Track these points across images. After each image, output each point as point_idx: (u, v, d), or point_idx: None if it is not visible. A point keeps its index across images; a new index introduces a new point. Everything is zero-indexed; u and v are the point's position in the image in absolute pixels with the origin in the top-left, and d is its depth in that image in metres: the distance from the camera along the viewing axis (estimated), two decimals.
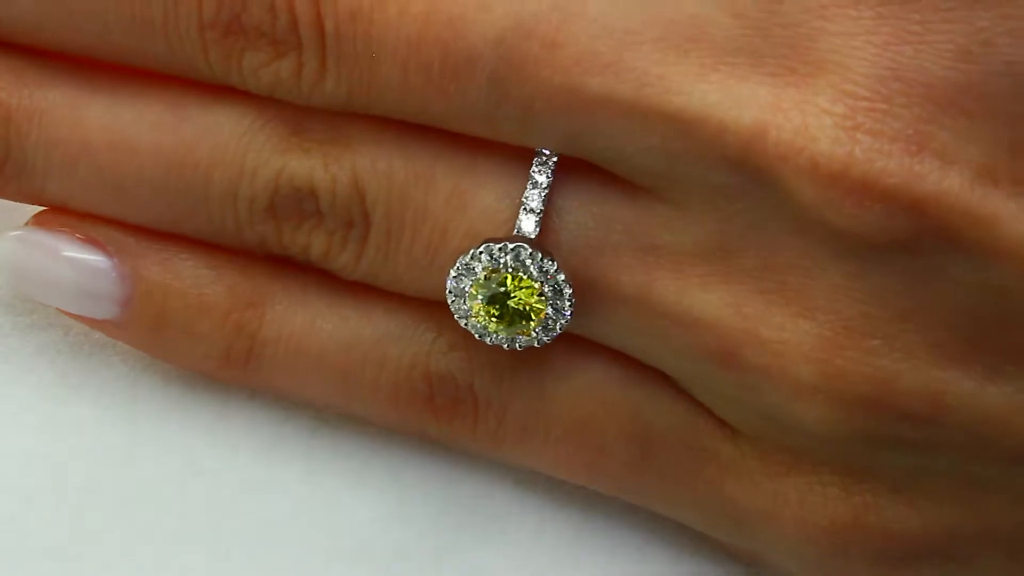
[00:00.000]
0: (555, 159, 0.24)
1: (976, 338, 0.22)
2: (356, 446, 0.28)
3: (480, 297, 0.24)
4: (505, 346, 0.24)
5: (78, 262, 0.26)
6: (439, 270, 0.24)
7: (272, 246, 0.25)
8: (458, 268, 0.24)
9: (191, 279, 0.26)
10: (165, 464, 0.27)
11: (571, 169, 0.24)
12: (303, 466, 0.27)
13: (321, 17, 0.23)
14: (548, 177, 0.24)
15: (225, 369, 0.26)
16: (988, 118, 0.21)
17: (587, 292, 0.24)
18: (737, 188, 0.22)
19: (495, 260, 0.24)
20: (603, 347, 0.25)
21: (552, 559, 0.27)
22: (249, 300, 0.26)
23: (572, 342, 0.25)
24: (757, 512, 0.25)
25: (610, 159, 0.23)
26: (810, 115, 0.22)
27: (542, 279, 0.24)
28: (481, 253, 0.24)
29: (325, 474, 0.27)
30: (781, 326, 0.23)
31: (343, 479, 0.27)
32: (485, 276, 0.24)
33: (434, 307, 0.25)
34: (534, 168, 0.24)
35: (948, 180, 0.21)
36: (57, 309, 0.27)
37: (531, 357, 0.25)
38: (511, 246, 0.23)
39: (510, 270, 0.24)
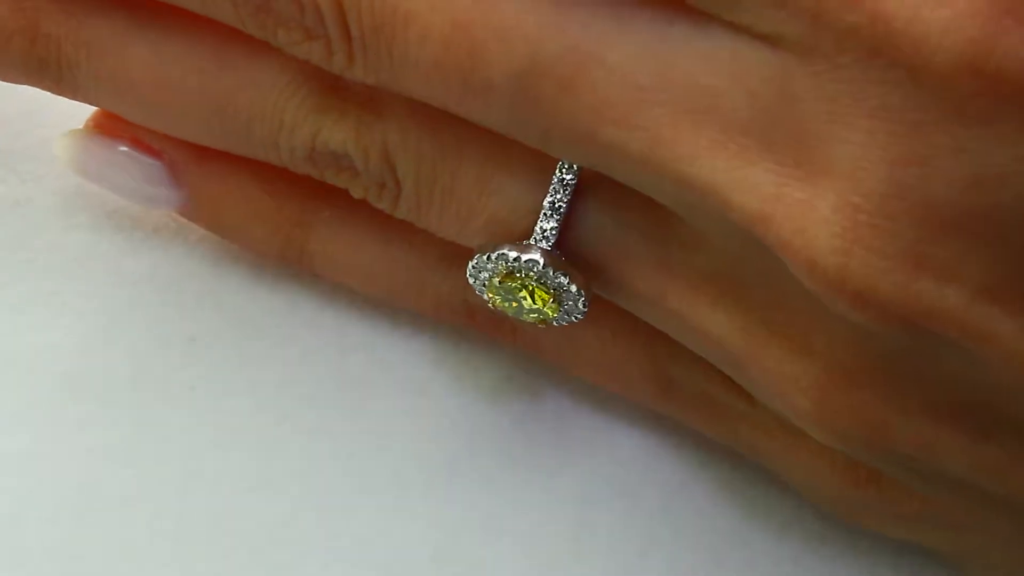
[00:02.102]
0: (569, 194, 0.24)
1: (970, 406, 0.22)
2: (356, 446, 0.28)
3: (496, 296, 0.25)
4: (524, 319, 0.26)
5: (136, 166, 0.27)
6: (467, 239, 0.25)
7: (315, 183, 0.26)
8: (475, 262, 0.25)
9: (242, 193, 0.27)
10: (165, 464, 0.27)
11: (595, 175, 0.24)
12: (303, 466, 0.27)
13: (347, 20, 0.23)
14: (573, 176, 0.24)
15: (281, 259, 0.28)
16: (993, 242, 0.21)
17: (605, 291, 0.25)
18: (745, 250, 0.23)
19: (509, 267, 0.24)
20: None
21: (551, 559, 0.27)
22: (298, 219, 0.27)
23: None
24: (777, 453, 0.26)
25: (630, 189, 0.23)
26: (810, 220, 0.21)
27: (556, 293, 0.24)
28: (497, 258, 0.24)
29: (325, 474, 0.27)
30: (781, 359, 0.23)
31: (343, 479, 0.27)
32: (499, 280, 0.24)
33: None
34: (560, 166, 0.24)
35: (944, 299, 0.21)
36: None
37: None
38: (524, 259, 0.24)
39: (523, 277, 0.24)
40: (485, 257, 0.24)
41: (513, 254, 0.24)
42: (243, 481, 0.27)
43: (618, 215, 0.24)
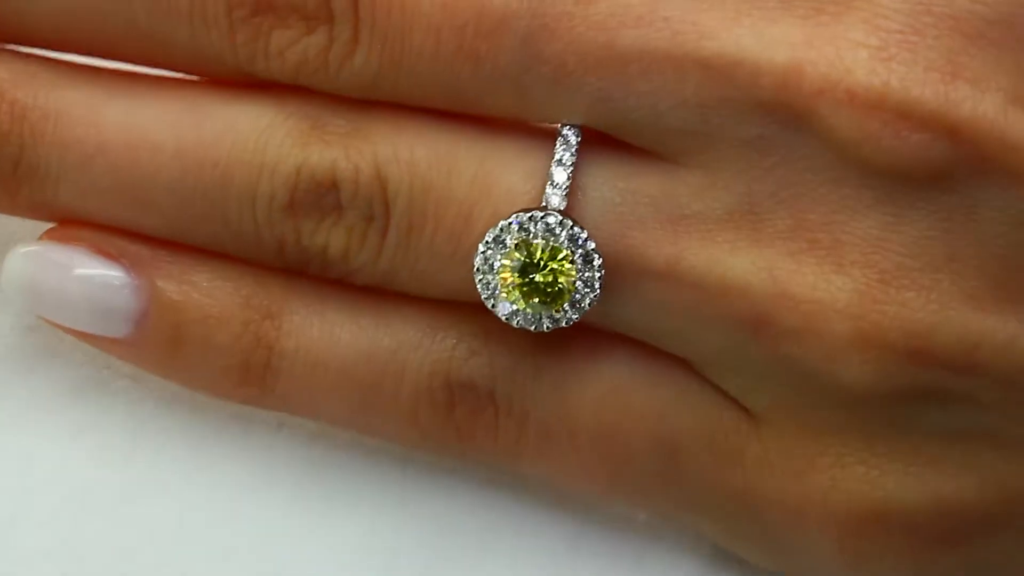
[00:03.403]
0: (578, 137, 0.24)
1: (1009, 284, 0.23)
2: (353, 451, 0.28)
3: (510, 267, 0.24)
4: (532, 328, 0.24)
5: (92, 275, 0.25)
6: (462, 261, 0.24)
7: (290, 250, 0.25)
8: (487, 242, 0.24)
9: (208, 290, 0.25)
10: (165, 464, 0.27)
11: (594, 145, 0.24)
12: (301, 470, 0.27)
13: None
14: (572, 155, 0.24)
15: (242, 386, 0.26)
16: (1016, 48, 0.22)
17: (615, 270, 0.24)
18: (770, 139, 0.23)
19: (525, 230, 0.24)
20: (627, 342, 0.25)
21: (548, 566, 0.28)
22: (267, 311, 0.25)
23: (595, 343, 0.25)
24: (782, 514, 0.25)
25: (640, 122, 0.23)
26: (844, 49, 0.22)
27: (572, 247, 0.24)
28: (511, 224, 0.24)
29: (322, 479, 0.27)
30: (814, 285, 0.23)
31: (340, 484, 0.27)
32: (515, 245, 0.24)
33: (453, 311, 0.25)
34: (558, 146, 0.24)
35: (983, 106, 0.22)
36: (66, 330, 0.26)
37: (554, 361, 0.25)
38: (540, 215, 0.23)
39: (540, 238, 0.24)
40: (499, 228, 0.24)
41: (528, 214, 0.23)
42: (243, 483, 0.27)
43: (622, 184, 0.24)
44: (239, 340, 0.25)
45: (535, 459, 0.26)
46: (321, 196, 0.24)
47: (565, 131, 0.24)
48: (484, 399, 0.25)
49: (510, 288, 0.24)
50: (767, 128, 0.23)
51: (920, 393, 0.23)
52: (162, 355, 0.26)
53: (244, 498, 0.27)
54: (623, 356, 0.25)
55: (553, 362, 0.25)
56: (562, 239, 0.24)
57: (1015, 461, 0.24)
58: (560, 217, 0.23)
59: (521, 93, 0.24)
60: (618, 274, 0.24)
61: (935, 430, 0.24)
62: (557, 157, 0.24)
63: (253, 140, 0.24)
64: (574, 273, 0.24)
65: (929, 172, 0.23)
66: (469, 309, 0.25)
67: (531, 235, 0.24)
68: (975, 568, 0.25)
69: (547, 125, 0.24)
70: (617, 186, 0.24)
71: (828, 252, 0.23)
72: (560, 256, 0.24)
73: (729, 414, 0.25)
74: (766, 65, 0.23)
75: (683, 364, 0.25)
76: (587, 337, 0.25)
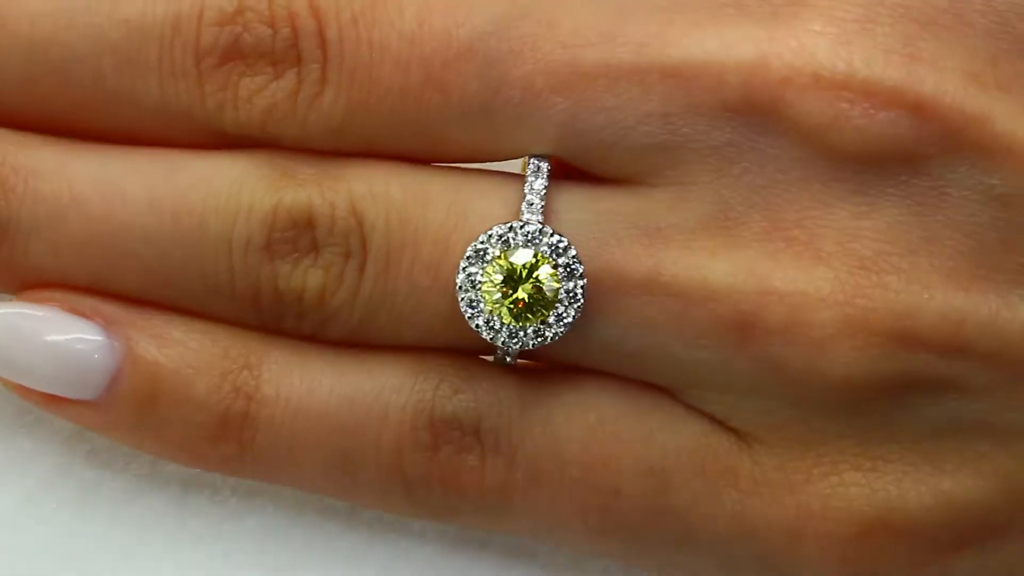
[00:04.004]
0: (548, 166, 0.24)
1: (985, 262, 0.23)
2: None
3: (493, 281, 0.24)
4: (517, 344, 0.24)
5: (64, 333, 0.24)
6: (442, 291, 0.24)
7: (266, 300, 0.24)
8: (468, 257, 0.24)
9: (184, 342, 0.25)
10: (165, 465, 0.27)
11: (564, 176, 0.24)
12: None
13: (323, 26, 0.24)
14: (544, 181, 0.24)
15: (219, 442, 0.25)
16: (967, 33, 0.23)
17: (595, 289, 0.24)
18: (739, 145, 0.23)
19: (505, 241, 0.24)
20: (609, 376, 0.25)
21: (547, 566, 0.28)
22: (245, 362, 0.25)
23: (577, 377, 0.25)
24: (781, 534, 0.24)
25: (608, 141, 0.24)
26: (805, 38, 0.23)
27: (554, 256, 0.24)
28: (491, 236, 0.24)
29: None
30: (795, 279, 0.23)
31: None
32: (497, 257, 0.24)
33: (434, 356, 0.25)
34: (529, 173, 0.24)
35: (943, 83, 0.23)
36: (34, 399, 0.25)
37: (539, 396, 0.25)
38: (519, 224, 0.24)
39: (521, 247, 0.24)
40: (479, 241, 0.24)
41: (508, 225, 0.24)
42: (243, 484, 0.27)
43: (596, 206, 0.24)
44: (217, 391, 0.25)
45: (523, 503, 0.25)
46: (298, 235, 0.24)
47: (534, 160, 0.24)
48: (470, 437, 0.24)
49: (493, 303, 0.24)
50: (735, 133, 0.23)
51: (910, 382, 0.23)
52: (136, 414, 0.25)
53: (244, 499, 0.27)
54: (606, 387, 0.25)
55: (538, 397, 0.25)
56: (543, 247, 0.24)
57: (1013, 451, 0.24)
58: (540, 226, 0.24)
59: (491, 120, 0.24)
60: (598, 293, 0.24)
61: (929, 426, 0.24)
62: (529, 183, 0.24)
63: (227, 188, 0.24)
64: (557, 283, 0.24)
65: (897, 152, 0.23)
66: (450, 354, 0.25)
67: (512, 245, 0.24)
68: (986, 573, 0.25)
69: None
70: (591, 208, 0.24)
71: (806, 247, 0.23)
72: (542, 265, 0.24)
73: (718, 437, 0.25)
74: (731, 63, 0.23)
75: (666, 393, 0.25)
76: (569, 372, 0.25)
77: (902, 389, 0.24)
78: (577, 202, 0.24)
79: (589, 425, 0.25)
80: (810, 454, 0.24)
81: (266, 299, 0.24)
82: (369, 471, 0.25)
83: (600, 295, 0.24)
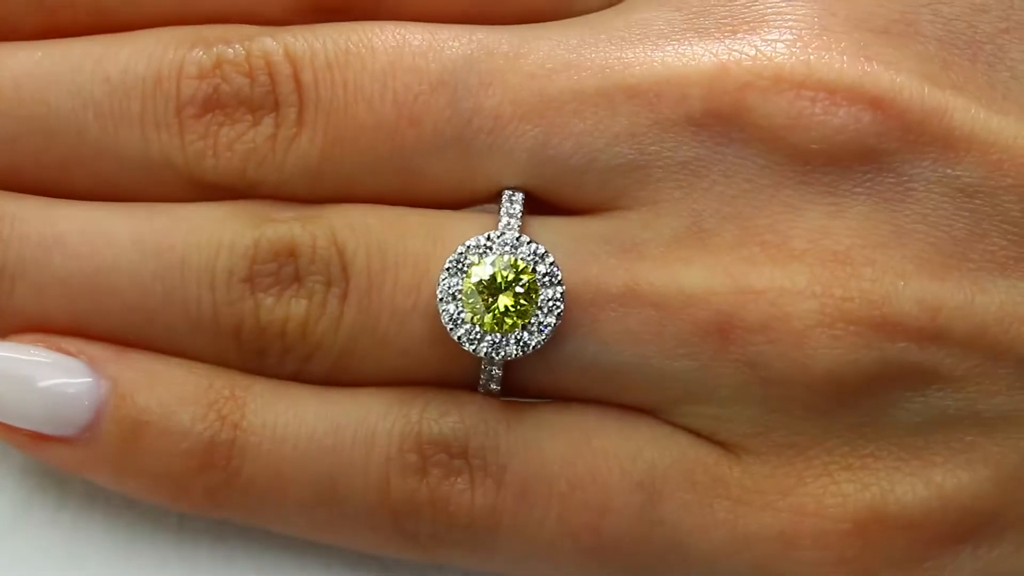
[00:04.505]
0: (523, 196, 0.24)
1: (956, 251, 0.24)
2: None
3: (473, 283, 0.24)
4: (498, 355, 0.24)
5: (52, 375, 0.24)
6: (423, 313, 0.24)
7: (248, 335, 0.25)
8: (447, 269, 0.24)
9: (168, 376, 0.25)
10: None
11: (538, 207, 0.25)
12: None
13: (298, 70, 0.24)
14: (519, 207, 0.24)
15: (205, 471, 0.24)
16: (918, 40, 0.24)
17: (573, 305, 0.24)
18: (706, 159, 0.24)
19: (486, 248, 0.24)
20: (593, 402, 0.25)
21: None
22: (230, 393, 0.25)
23: (562, 402, 0.25)
24: (776, 538, 0.24)
25: (579, 168, 0.24)
26: (762, 48, 0.24)
27: (534, 262, 0.24)
28: (469, 246, 0.24)
29: None
30: (770, 276, 0.24)
31: None
32: (475, 264, 0.24)
33: (418, 387, 0.25)
34: (504, 200, 0.24)
35: (899, 79, 0.24)
36: (14, 443, 0.25)
37: (524, 416, 0.25)
38: (498, 234, 0.24)
39: (502, 255, 0.24)
40: (458, 252, 0.24)
41: (486, 235, 0.24)
42: None
43: (570, 230, 0.24)
44: (203, 419, 0.24)
45: (513, 525, 0.24)
46: (280, 267, 0.24)
47: (508, 191, 0.24)
48: (458, 459, 0.24)
49: (474, 311, 0.24)
50: (701, 146, 0.24)
51: (892, 374, 0.24)
52: (120, 447, 0.25)
53: None
54: (590, 409, 0.25)
55: (523, 417, 0.25)
56: (523, 253, 0.24)
57: (1000, 437, 0.24)
58: (519, 234, 0.24)
59: (464, 150, 0.24)
60: (577, 308, 0.24)
61: (915, 420, 0.24)
62: (505, 208, 0.24)
63: (209, 226, 0.25)
64: (537, 288, 0.24)
65: (860, 148, 0.24)
66: (434, 385, 0.25)
67: (491, 254, 0.24)
68: (986, 569, 0.24)
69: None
70: (565, 231, 0.24)
71: (779, 248, 0.24)
72: (522, 270, 0.24)
73: (706, 450, 0.25)
74: (693, 76, 0.24)
75: (650, 414, 0.25)
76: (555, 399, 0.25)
77: (885, 382, 0.24)
78: (552, 227, 0.25)
79: (574, 441, 0.25)
80: (799, 459, 0.24)
81: (248, 333, 0.25)
82: (356, 498, 0.25)
83: (579, 310, 0.24)
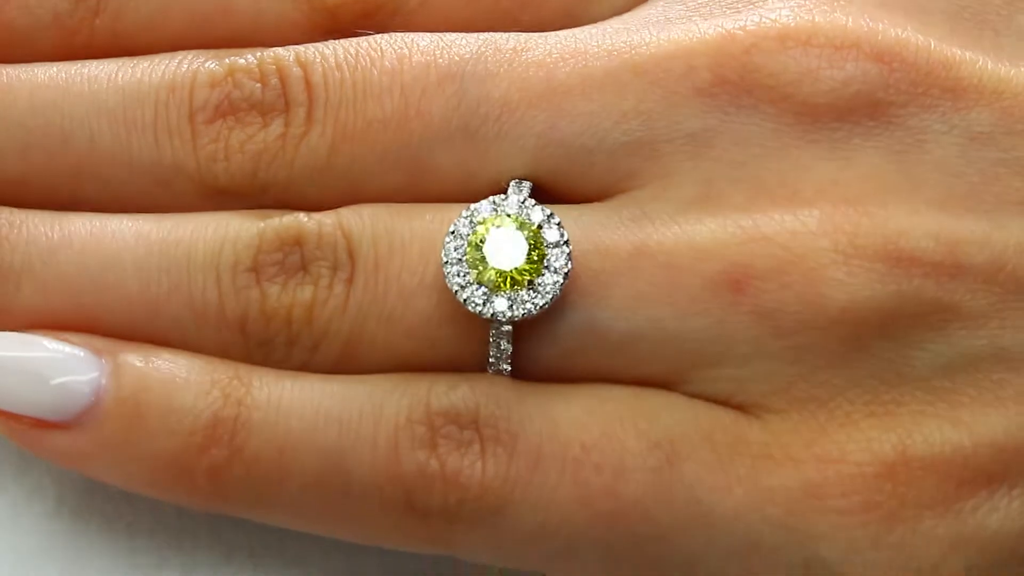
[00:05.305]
0: (530, 185, 0.24)
1: (971, 194, 0.24)
2: None
3: (479, 242, 0.24)
4: (507, 314, 0.24)
5: (51, 353, 0.24)
6: (430, 286, 0.24)
7: (253, 324, 0.25)
8: (452, 232, 0.24)
9: (172, 358, 0.25)
10: None
11: (546, 200, 0.25)
12: None
13: (308, 72, 0.25)
14: (527, 193, 0.24)
15: (209, 449, 0.24)
16: (924, 11, 0.25)
17: (582, 272, 0.24)
18: (715, 128, 0.24)
19: (495, 206, 0.24)
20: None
21: None
22: (234, 373, 0.24)
23: (575, 371, 0.24)
24: (799, 489, 0.24)
25: (587, 147, 0.24)
26: (767, 12, 0.24)
27: (541, 221, 0.24)
28: (473, 211, 0.24)
29: None
30: (781, 222, 0.24)
31: None
32: (483, 222, 0.24)
33: (425, 370, 0.25)
34: (511, 188, 0.24)
35: (906, 34, 0.24)
36: (12, 436, 0.25)
37: (536, 386, 0.24)
38: (503, 197, 0.24)
39: (509, 212, 0.24)
40: (463, 216, 0.24)
41: (491, 199, 0.24)
42: None
43: (576, 213, 0.24)
44: (206, 396, 0.24)
45: (525, 495, 0.24)
46: (286, 256, 0.25)
47: (515, 181, 0.24)
48: (468, 430, 0.24)
49: (480, 268, 0.24)
50: (709, 116, 0.24)
51: (911, 312, 0.23)
52: (120, 429, 0.24)
53: None
54: (604, 382, 0.24)
55: (535, 387, 0.24)
56: (529, 213, 0.24)
57: (1008, 403, 0.24)
58: (524, 198, 0.24)
59: (472, 139, 0.25)
60: (586, 275, 0.24)
61: (940, 362, 0.24)
62: (511, 192, 0.24)
63: (214, 223, 0.25)
64: (544, 247, 0.24)
65: (869, 101, 0.24)
66: (444, 371, 0.25)
67: (497, 214, 0.24)
68: (1018, 514, 0.24)
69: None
70: (572, 214, 0.24)
71: (789, 200, 0.24)
72: (527, 228, 0.24)
73: (724, 412, 0.24)
74: (698, 46, 0.24)
75: (664, 387, 0.24)
76: (567, 364, 0.24)
77: (904, 321, 0.23)
78: (560, 210, 0.24)
79: (589, 406, 0.24)
80: (821, 411, 0.24)
81: (254, 323, 0.25)
82: (365, 473, 0.24)
83: (588, 278, 0.24)
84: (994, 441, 0.24)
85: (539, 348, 0.24)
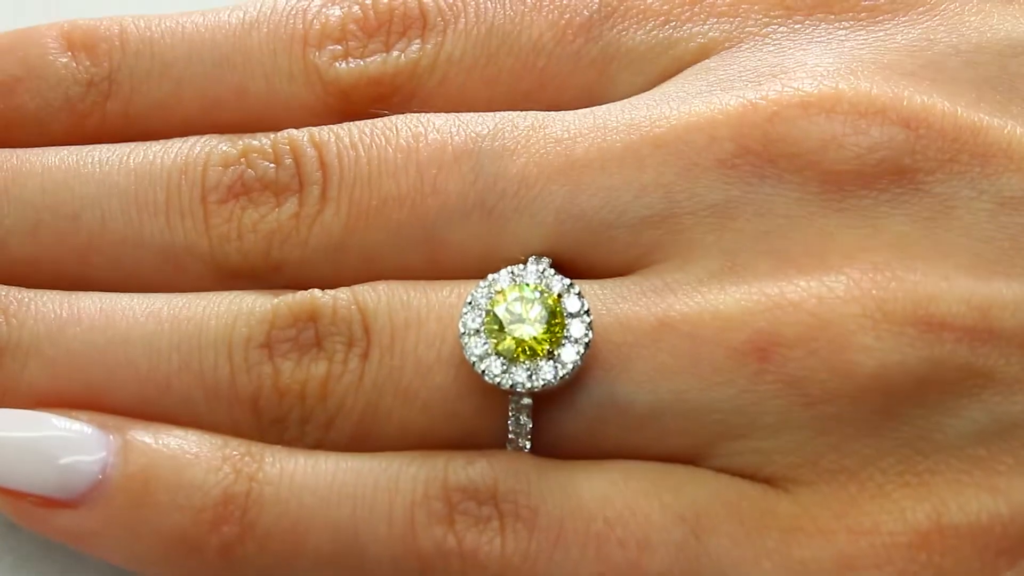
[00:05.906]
0: (549, 260, 0.24)
1: (1002, 259, 0.23)
2: None
3: (497, 312, 0.23)
4: (525, 385, 0.23)
5: (58, 431, 0.24)
6: (447, 361, 0.23)
7: (266, 401, 0.24)
8: (469, 303, 0.23)
9: (181, 436, 0.24)
10: None
11: (564, 271, 0.24)
12: None
13: (322, 152, 0.25)
14: (548, 264, 0.24)
15: (220, 526, 0.23)
16: (949, 80, 0.24)
17: (603, 346, 0.23)
18: (737, 199, 0.24)
19: (514, 276, 0.23)
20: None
21: None
22: (246, 450, 0.24)
23: (597, 447, 0.24)
24: (831, 561, 0.23)
25: (607, 221, 0.24)
26: (788, 82, 0.24)
27: (562, 290, 0.23)
28: (492, 281, 0.23)
29: None
30: (807, 288, 0.23)
31: None
32: (500, 292, 0.23)
33: (442, 447, 0.24)
34: (529, 264, 0.24)
35: (932, 100, 0.24)
36: (16, 515, 0.24)
37: (556, 463, 0.24)
38: (521, 267, 0.24)
39: (530, 280, 0.23)
40: (481, 287, 0.23)
41: (514, 266, 0.24)
42: None
43: (598, 287, 0.24)
44: (216, 472, 0.24)
45: (547, 571, 0.23)
46: (300, 332, 0.24)
47: (533, 258, 0.24)
48: (487, 506, 0.23)
49: (498, 342, 0.23)
50: (732, 187, 0.24)
51: (943, 378, 0.23)
52: (129, 506, 0.24)
53: None
54: (626, 455, 0.24)
55: (556, 464, 0.24)
56: (549, 283, 0.23)
57: None
58: (546, 267, 0.23)
59: (488, 215, 0.24)
60: (608, 348, 0.23)
61: (974, 429, 0.23)
62: (531, 263, 0.24)
63: (227, 300, 0.24)
64: (564, 317, 0.23)
65: (895, 168, 0.23)
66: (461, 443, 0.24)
67: (519, 280, 0.23)
68: None
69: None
70: (595, 284, 0.24)
71: (816, 267, 0.23)
72: (548, 297, 0.23)
73: (751, 485, 0.23)
74: (720, 117, 0.24)
75: (689, 462, 0.24)
76: (588, 443, 0.24)
77: (936, 387, 0.23)
78: (580, 283, 0.24)
79: (612, 480, 0.23)
80: (852, 482, 0.23)
81: (267, 400, 0.24)
82: (380, 548, 0.23)
83: (609, 351, 0.23)
84: None
85: (560, 423, 0.23)
